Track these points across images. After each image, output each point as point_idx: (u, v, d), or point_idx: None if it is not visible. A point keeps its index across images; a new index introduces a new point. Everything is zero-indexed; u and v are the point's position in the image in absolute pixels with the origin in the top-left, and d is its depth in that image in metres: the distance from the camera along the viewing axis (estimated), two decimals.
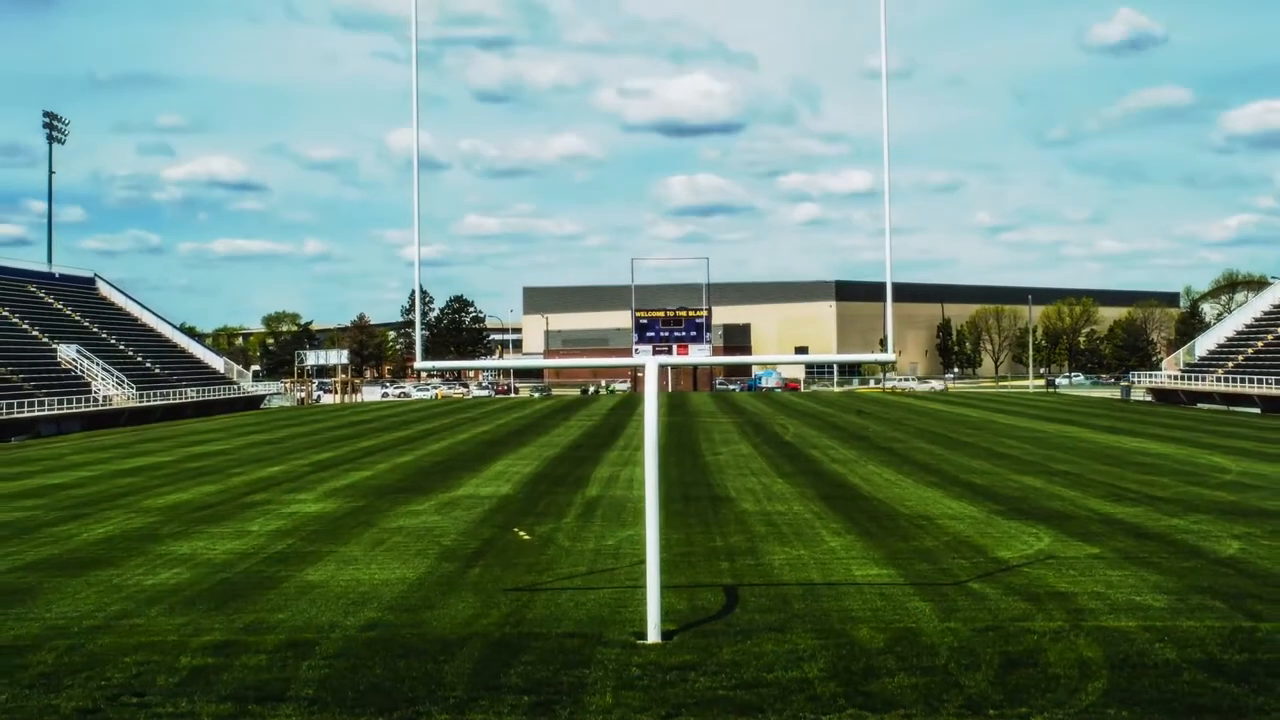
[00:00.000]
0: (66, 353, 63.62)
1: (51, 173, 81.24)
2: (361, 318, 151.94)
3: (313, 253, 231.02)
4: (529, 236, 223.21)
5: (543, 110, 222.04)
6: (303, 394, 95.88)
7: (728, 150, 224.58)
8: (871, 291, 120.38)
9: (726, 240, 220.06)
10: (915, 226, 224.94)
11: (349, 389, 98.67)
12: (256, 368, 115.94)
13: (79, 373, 62.54)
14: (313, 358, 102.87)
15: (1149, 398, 71.16)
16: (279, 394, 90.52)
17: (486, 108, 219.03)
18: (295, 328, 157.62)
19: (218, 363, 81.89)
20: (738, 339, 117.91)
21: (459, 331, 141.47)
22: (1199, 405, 62.01)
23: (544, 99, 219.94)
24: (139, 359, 70.66)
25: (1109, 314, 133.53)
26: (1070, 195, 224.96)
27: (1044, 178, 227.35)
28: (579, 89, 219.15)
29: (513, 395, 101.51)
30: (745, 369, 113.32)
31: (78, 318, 71.56)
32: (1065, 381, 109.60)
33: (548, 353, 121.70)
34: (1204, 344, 72.32)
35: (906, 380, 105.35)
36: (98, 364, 63.65)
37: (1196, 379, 66.17)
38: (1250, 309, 74.48)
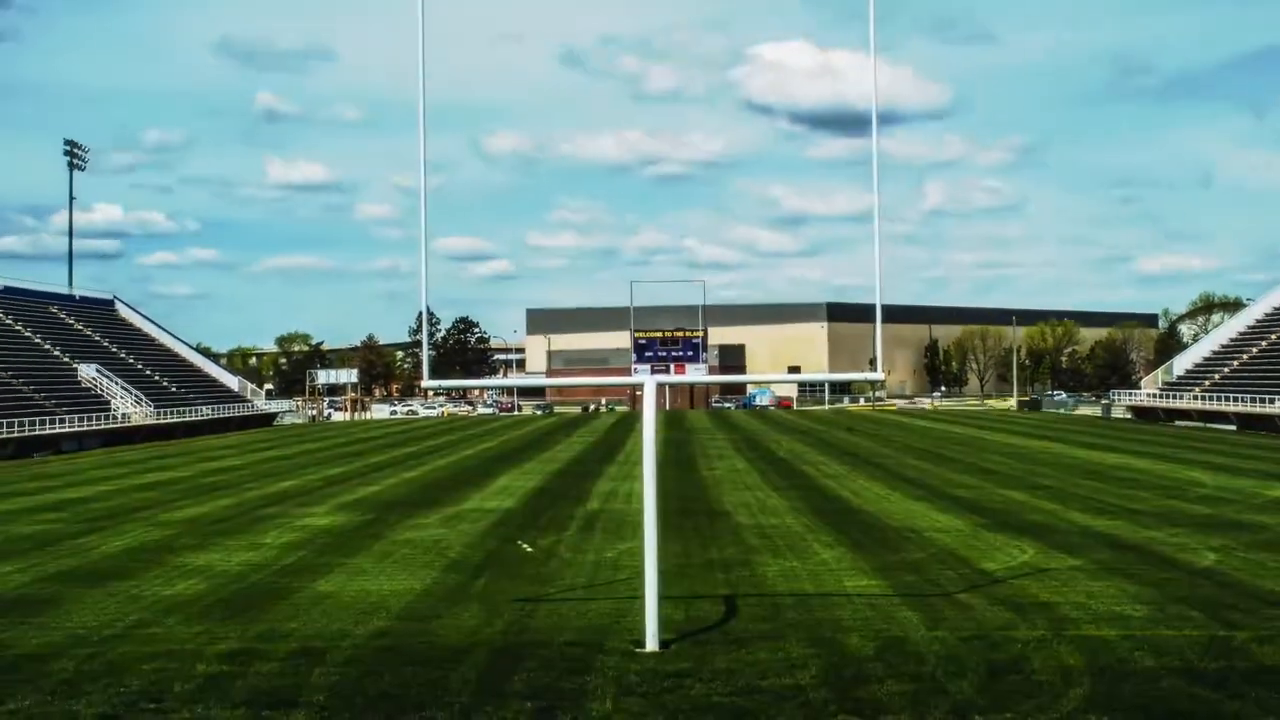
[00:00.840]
0: (87, 372, 63.62)
1: (72, 199, 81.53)
2: (370, 338, 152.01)
3: (330, 268, 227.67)
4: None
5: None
6: (314, 412, 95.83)
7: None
8: (861, 313, 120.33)
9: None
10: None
11: (358, 407, 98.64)
12: (269, 386, 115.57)
13: (99, 391, 62.53)
14: (323, 377, 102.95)
15: (1129, 415, 71.17)
16: (291, 412, 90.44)
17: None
18: (307, 348, 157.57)
19: (232, 381, 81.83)
20: (733, 359, 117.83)
21: (464, 351, 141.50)
22: (1177, 422, 62.00)
23: None
24: (156, 378, 70.64)
25: (1090, 334, 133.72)
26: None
27: None
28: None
29: (516, 413, 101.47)
30: (740, 388, 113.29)
31: (97, 338, 71.59)
32: (1049, 399, 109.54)
33: (550, 372, 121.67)
34: (1182, 364, 72.38)
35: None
36: (117, 383, 63.64)
37: (1174, 397, 66.20)
38: (1226, 330, 74.60)
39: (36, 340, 65.34)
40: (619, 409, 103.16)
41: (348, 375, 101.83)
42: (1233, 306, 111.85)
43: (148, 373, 70.58)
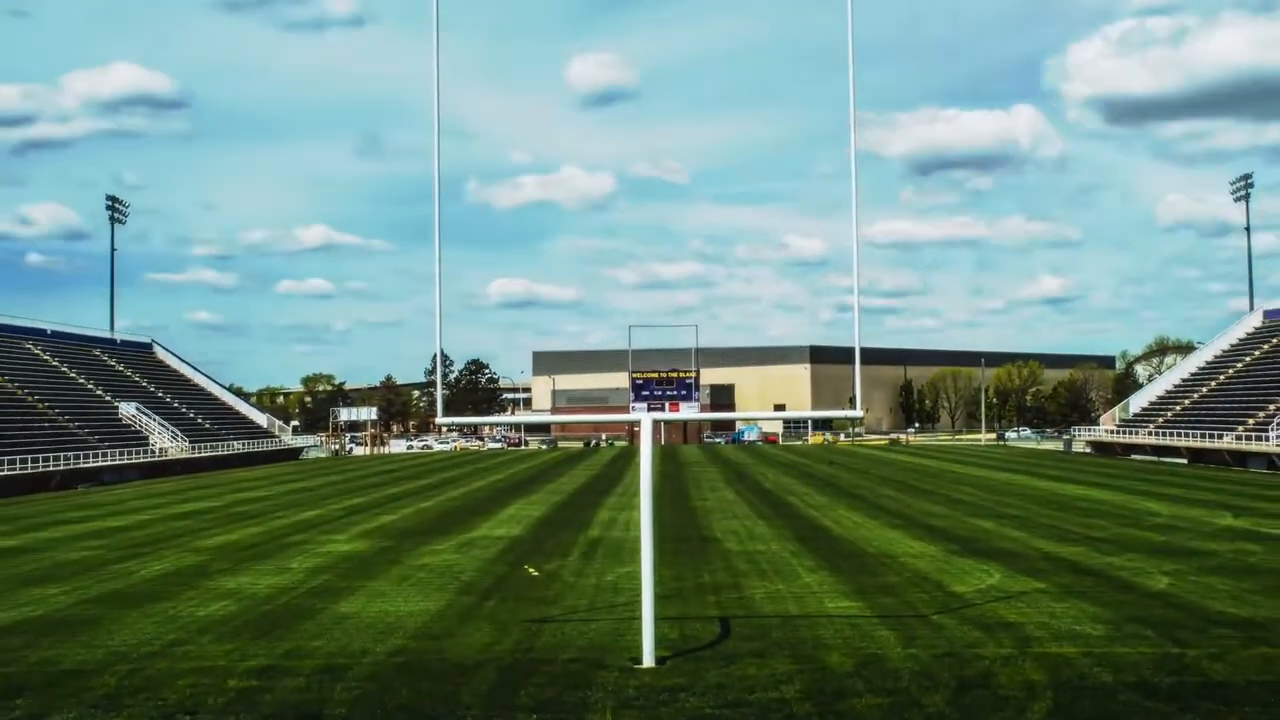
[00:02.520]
0: (126, 410, 63.62)
1: (113, 250, 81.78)
2: (389, 378, 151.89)
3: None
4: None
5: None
6: (336, 446, 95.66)
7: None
8: (841, 355, 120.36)
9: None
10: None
11: (377, 442, 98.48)
12: (295, 423, 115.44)
13: (138, 428, 62.48)
14: (345, 414, 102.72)
15: (1089, 450, 71.13)
16: (315, 446, 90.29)
17: None
18: (330, 388, 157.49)
19: (261, 418, 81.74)
20: (723, 397, 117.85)
21: (475, 391, 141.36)
22: (1133, 456, 61.96)
23: None
24: (191, 415, 70.59)
25: (1053, 375, 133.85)
26: None
27: None
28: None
29: (523, 448, 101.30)
30: (730, 424, 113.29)
31: (137, 378, 71.59)
32: (1014, 435, 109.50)
33: (554, 409, 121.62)
34: (1137, 402, 72.37)
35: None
36: (154, 420, 63.60)
37: (1131, 433, 66.21)
38: (1179, 371, 74.66)
39: (80, 380, 65.38)
40: (618, 444, 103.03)
41: (368, 413, 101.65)
42: (1184, 349, 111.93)
43: (183, 410, 70.54)
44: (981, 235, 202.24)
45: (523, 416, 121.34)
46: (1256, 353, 66.66)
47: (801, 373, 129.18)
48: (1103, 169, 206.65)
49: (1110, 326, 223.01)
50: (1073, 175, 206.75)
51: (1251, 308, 74.18)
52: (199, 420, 70.59)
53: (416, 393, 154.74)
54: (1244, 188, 77.21)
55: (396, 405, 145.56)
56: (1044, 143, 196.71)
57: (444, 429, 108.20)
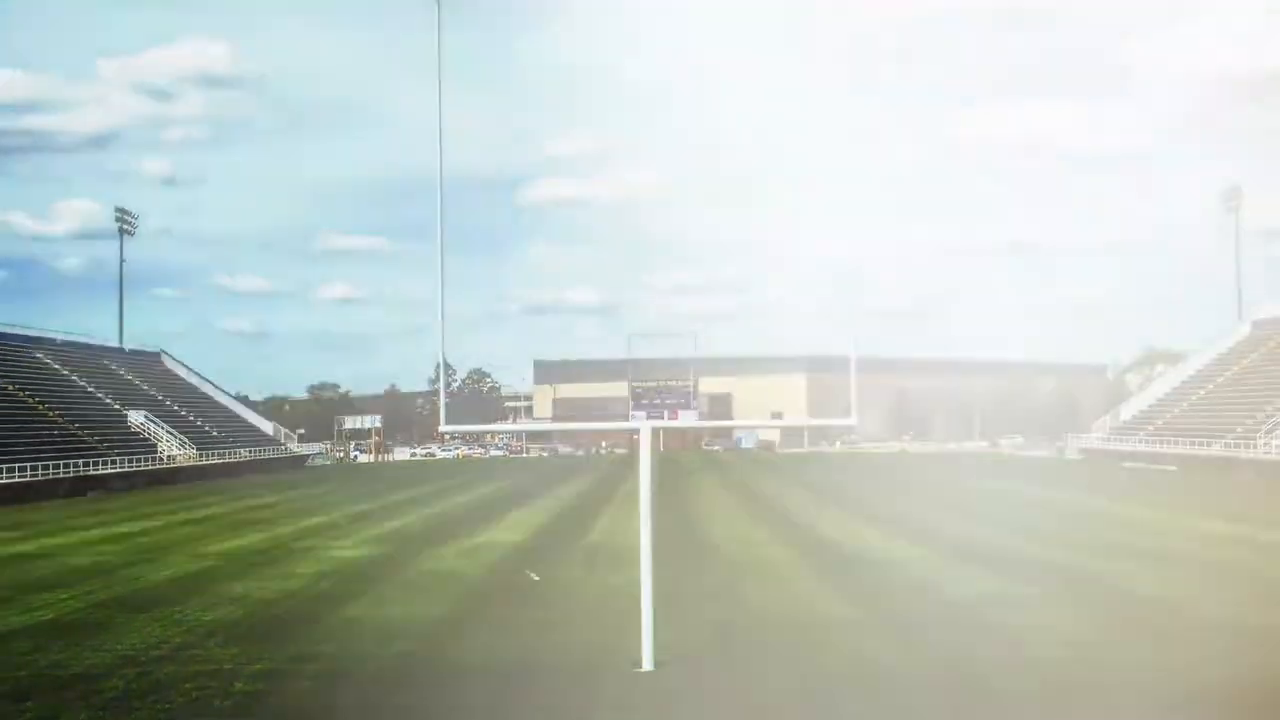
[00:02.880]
0: (136, 418, 63.57)
1: (122, 261, 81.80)
2: (393, 387, 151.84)
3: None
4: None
5: None
6: (341, 454, 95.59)
7: None
8: (838, 364, 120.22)
9: None
10: None
11: (382, 449, 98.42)
12: (301, 431, 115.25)
13: (146, 435, 62.44)
14: (350, 422, 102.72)
15: (1080, 457, 71.06)
16: (320, 454, 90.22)
17: None
18: (335, 396, 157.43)
19: (267, 426, 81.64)
20: (721, 406, 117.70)
21: (478, 399, 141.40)
22: (1124, 464, 61.85)
23: None
24: (199, 423, 70.52)
25: (1046, 383, 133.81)
26: None
27: None
28: None
29: (524, 455, 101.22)
30: (728, 432, 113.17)
31: (145, 387, 71.53)
32: (1007, 443, 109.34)
33: (555, 418, 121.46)
34: (1128, 410, 72.32)
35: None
36: (163, 428, 63.56)
37: (1122, 441, 66.18)
38: (1168, 380, 74.61)
39: (90, 389, 65.35)
40: (618, 451, 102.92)
41: (372, 421, 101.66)
42: (1174, 358, 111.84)
43: (191, 418, 70.48)
44: (1001, 236, 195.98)
45: (525, 425, 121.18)
46: (1245, 361, 66.68)
47: (798, 382, 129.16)
48: (1169, 170, 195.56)
49: (1118, 332, 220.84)
50: (1134, 175, 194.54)
51: (1240, 317, 74.23)
52: (207, 428, 70.52)
53: (420, 400, 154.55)
54: (1234, 199, 77.50)
55: (400, 413, 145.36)
56: (1088, 138, 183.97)
57: (447, 437, 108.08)
